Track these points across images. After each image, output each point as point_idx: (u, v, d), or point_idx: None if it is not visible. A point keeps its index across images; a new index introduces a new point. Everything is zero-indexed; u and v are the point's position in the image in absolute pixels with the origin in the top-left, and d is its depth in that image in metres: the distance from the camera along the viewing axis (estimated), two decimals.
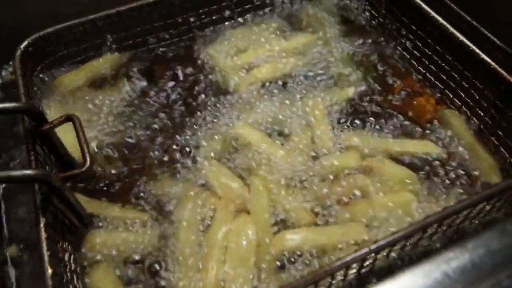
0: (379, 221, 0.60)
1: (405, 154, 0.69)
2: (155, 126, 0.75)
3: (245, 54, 0.83)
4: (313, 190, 0.65)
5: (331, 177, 0.66)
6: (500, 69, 0.64)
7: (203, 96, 0.79)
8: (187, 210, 0.63)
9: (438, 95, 0.77)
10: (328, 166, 0.67)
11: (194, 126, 0.74)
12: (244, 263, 0.57)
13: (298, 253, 0.59)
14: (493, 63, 0.64)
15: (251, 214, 0.62)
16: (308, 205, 0.63)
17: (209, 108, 0.77)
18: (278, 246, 0.59)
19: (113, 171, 0.69)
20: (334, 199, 0.64)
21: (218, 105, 0.77)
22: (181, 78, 0.82)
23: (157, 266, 0.59)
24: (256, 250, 0.59)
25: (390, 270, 0.49)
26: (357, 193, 0.64)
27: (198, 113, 0.76)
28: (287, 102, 0.77)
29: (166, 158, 0.71)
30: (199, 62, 0.84)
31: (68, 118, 0.61)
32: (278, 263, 0.58)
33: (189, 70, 0.83)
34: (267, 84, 0.79)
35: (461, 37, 0.68)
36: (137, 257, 0.59)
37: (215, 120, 0.74)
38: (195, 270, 0.57)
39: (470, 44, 0.67)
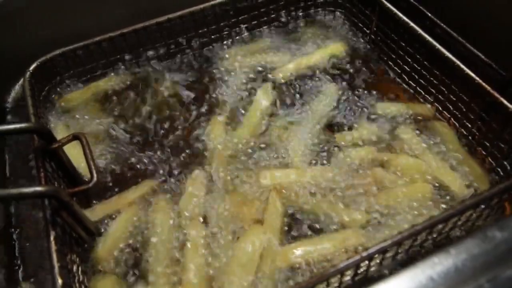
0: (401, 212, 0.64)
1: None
2: (167, 145, 0.77)
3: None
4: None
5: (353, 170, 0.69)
6: (484, 84, 0.66)
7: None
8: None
9: (429, 107, 0.80)
10: (345, 160, 0.71)
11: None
12: (246, 270, 0.60)
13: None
14: (477, 78, 0.67)
15: (264, 225, 0.65)
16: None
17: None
18: (285, 262, 0.61)
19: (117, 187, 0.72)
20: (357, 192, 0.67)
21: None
22: (185, 99, 0.85)
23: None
24: (262, 260, 0.61)
25: (378, 275, 0.51)
26: (375, 186, 0.68)
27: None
28: None
29: (173, 180, 0.72)
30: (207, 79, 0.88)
31: (75, 137, 0.64)
32: (281, 274, 0.60)
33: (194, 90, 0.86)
34: None
35: (447, 53, 0.71)
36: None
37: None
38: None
39: (455, 60, 0.70)
